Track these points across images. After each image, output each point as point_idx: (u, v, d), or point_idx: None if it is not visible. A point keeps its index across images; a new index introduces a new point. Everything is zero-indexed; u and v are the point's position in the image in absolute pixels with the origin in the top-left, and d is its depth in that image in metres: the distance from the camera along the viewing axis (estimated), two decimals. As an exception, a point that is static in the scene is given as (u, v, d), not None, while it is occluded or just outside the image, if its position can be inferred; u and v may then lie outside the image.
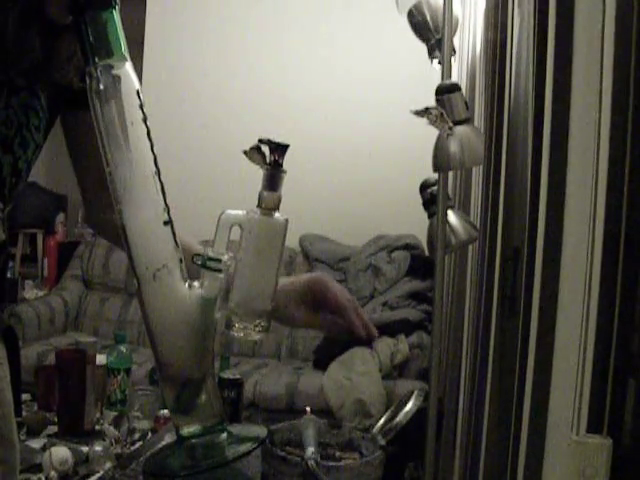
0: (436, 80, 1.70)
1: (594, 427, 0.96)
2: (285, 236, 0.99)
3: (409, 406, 1.13)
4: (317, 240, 3.84)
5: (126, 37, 0.89)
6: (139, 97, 0.88)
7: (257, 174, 1.03)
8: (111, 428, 2.07)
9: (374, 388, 3.01)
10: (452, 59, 1.78)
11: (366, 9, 3.85)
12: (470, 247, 2.08)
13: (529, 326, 1.23)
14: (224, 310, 0.97)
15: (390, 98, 3.77)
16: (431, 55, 1.85)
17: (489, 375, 1.63)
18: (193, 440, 1.03)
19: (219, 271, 0.95)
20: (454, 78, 1.87)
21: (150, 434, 2.03)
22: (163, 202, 0.92)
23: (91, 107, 0.83)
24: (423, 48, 1.87)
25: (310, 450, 0.97)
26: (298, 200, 3.96)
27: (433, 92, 1.65)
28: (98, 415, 2.20)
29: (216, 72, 4.17)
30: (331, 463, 0.99)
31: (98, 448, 1.86)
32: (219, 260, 0.95)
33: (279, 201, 0.99)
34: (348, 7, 3.97)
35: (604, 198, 0.98)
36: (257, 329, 0.98)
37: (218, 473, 1.01)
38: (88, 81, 0.88)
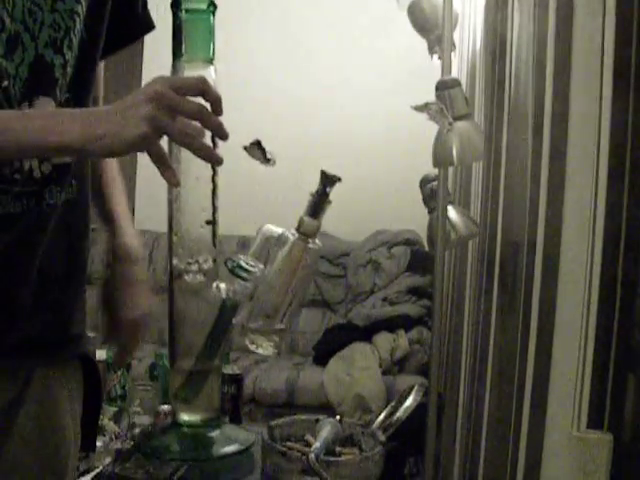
0: (436, 75, 1.70)
1: (594, 423, 0.96)
2: (316, 263, 1.00)
3: (409, 401, 1.14)
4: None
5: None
6: None
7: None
8: (111, 423, 2.07)
9: (374, 383, 3.01)
10: (452, 54, 1.77)
11: (366, 4, 3.84)
12: (470, 242, 2.08)
13: (529, 321, 1.23)
14: (243, 318, 0.99)
15: (390, 93, 3.77)
16: (431, 50, 1.84)
17: (489, 370, 1.63)
18: (186, 429, 1.05)
19: (246, 280, 0.97)
20: (454, 73, 1.87)
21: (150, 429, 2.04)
22: (211, 202, 0.96)
23: None
24: (423, 43, 1.87)
25: (315, 446, 0.97)
26: (298, 195, 3.96)
27: (433, 87, 1.65)
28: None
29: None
30: (331, 458, 0.99)
31: (98, 443, 1.86)
32: (249, 271, 0.97)
33: (318, 228, 1.00)
34: (348, 3, 3.96)
35: (604, 193, 0.98)
36: (269, 345, 1.00)
37: (215, 464, 1.02)
38: (172, 72, 0.96)
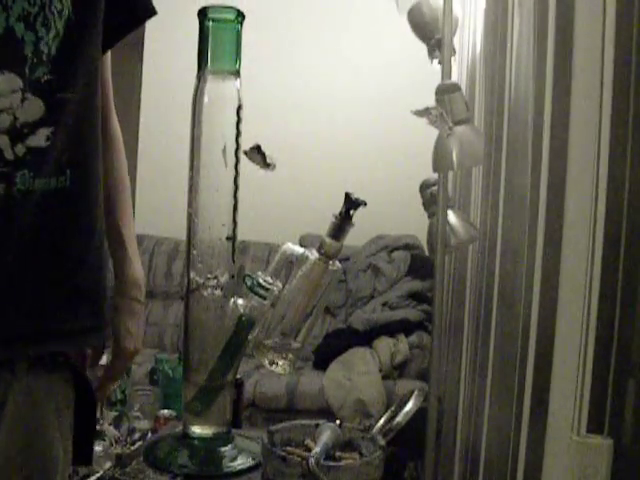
0: (436, 80, 1.70)
1: (595, 427, 0.96)
2: (333, 284, 1.01)
3: (409, 406, 1.13)
4: (317, 240, 3.81)
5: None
6: (238, 114, 0.91)
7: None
8: (111, 428, 2.06)
9: (374, 388, 3.01)
10: (452, 59, 1.78)
11: (366, 9, 3.85)
12: (470, 247, 2.08)
13: (529, 326, 1.23)
14: (259, 335, 0.99)
15: (390, 98, 3.77)
16: (431, 55, 1.84)
17: (489, 375, 1.63)
18: (197, 442, 1.05)
19: (264, 298, 0.98)
20: (454, 78, 1.87)
21: (150, 434, 2.03)
22: (232, 218, 0.96)
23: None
24: (423, 48, 1.87)
25: (315, 450, 0.97)
26: (298, 200, 3.96)
27: (433, 92, 1.65)
28: (98, 415, 2.19)
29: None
30: (331, 463, 0.99)
31: (98, 448, 1.85)
32: (267, 289, 0.98)
33: (339, 251, 1.00)
34: (348, 7, 3.96)
35: (604, 197, 0.98)
36: (285, 363, 1.00)
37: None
38: (196, 82, 0.95)
